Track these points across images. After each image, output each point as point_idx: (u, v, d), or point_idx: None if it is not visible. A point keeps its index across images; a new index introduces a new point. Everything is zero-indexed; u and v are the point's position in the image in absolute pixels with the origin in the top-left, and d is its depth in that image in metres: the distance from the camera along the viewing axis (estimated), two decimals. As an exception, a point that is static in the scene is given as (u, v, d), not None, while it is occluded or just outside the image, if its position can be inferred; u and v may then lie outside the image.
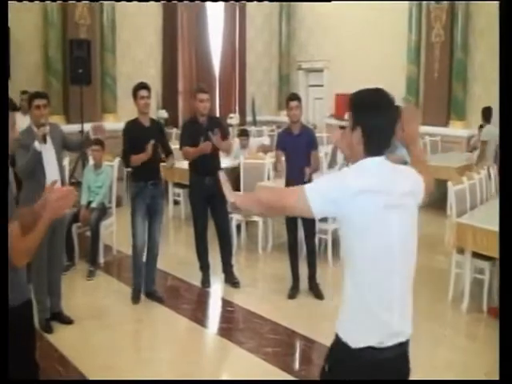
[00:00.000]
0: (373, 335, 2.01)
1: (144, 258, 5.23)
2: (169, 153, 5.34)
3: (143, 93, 5.02)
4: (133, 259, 5.18)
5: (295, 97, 5.29)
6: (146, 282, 5.22)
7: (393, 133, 2.09)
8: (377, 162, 2.06)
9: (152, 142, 4.93)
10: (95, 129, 4.60)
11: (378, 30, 12.70)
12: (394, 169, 2.12)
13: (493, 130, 7.76)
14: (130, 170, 5.39)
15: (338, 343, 2.07)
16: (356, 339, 2.02)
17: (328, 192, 2.00)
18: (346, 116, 2.15)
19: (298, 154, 5.16)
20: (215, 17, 13.34)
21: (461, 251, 5.13)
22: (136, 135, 5.00)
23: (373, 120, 2.04)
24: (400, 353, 2.11)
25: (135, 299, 5.13)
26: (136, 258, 5.15)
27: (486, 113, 8.34)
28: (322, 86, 14.46)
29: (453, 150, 10.63)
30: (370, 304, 2.01)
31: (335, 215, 2.06)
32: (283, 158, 5.31)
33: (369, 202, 1.97)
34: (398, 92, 12.43)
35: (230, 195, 2.19)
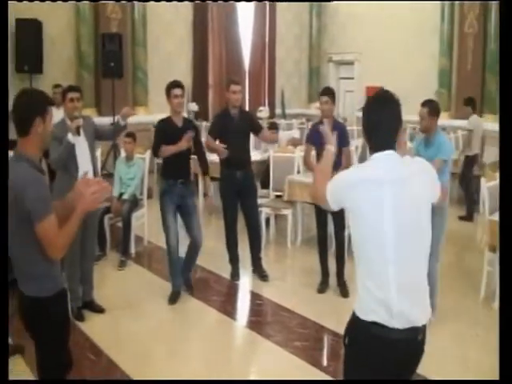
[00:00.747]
0: (375, 312, 2.19)
1: (178, 253, 5.10)
2: (202, 158, 5.30)
3: (177, 91, 4.90)
4: (168, 259, 5.07)
5: (327, 91, 5.19)
6: (183, 270, 5.17)
7: (394, 128, 2.26)
8: (383, 156, 2.24)
9: (191, 133, 4.86)
10: (123, 113, 4.72)
11: (410, 21, 12.54)
12: (403, 160, 2.28)
13: (478, 119, 8.45)
14: (160, 163, 5.41)
15: (353, 316, 2.29)
16: (363, 313, 2.23)
17: (335, 187, 2.32)
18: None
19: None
20: (245, 10, 13.35)
21: (493, 249, 5.04)
22: (168, 135, 4.91)
23: (368, 119, 2.28)
24: (412, 338, 2.21)
25: (173, 300, 4.99)
26: (172, 257, 5.04)
27: (470, 103, 8.47)
28: (352, 78, 14.36)
29: (486, 145, 10.44)
30: (368, 286, 2.21)
31: (345, 206, 2.30)
32: (313, 153, 5.26)
33: (367, 191, 2.19)
34: (429, 85, 12.38)
35: (331, 144, 2.60)
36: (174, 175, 4.97)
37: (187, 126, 5.02)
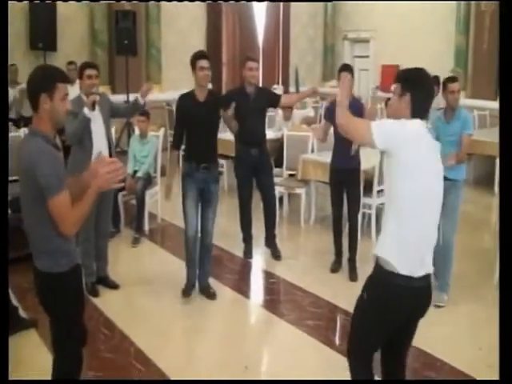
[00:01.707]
0: (408, 266, 2.43)
1: (197, 244, 4.74)
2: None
3: (203, 63, 4.46)
4: (185, 248, 4.71)
5: (347, 67, 5.04)
6: (199, 275, 4.77)
7: (431, 104, 2.59)
8: (419, 122, 2.51)
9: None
10: (143, 91, 4.70)
11: (427, -1, 12.31)
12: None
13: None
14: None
15: (379, 272, 2.52)
16: (395, 268, 2.43)
17: (391, 129, 2.47)
18: (393, 87, 2.55)
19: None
20: (260, -14, 13.17)
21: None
22: (187, 112, 4.52)
23: (420, 90, 2.53)
24: (426, 284, 2.53)
25: (186, 293, 4.67)
26: (188, 247, 4.69)
27: (436, 82, 8.34)
28: (367, 56, 14.17)
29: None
30: (408, 240, 2.43)
31: (392, 150, 2.44)
32: (332, 130, 5.20)
33: (422, 145, 2.45)
34: (445, 63, 12.20)
35: (343, 96, 2.75)
36: (197, 159, 4.57)
37: (211, 100, 4.56)
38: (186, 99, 4.57)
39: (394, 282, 2.46)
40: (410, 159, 2.39)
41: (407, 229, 2.44)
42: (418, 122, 2.50)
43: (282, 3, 13.63)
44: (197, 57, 4.51)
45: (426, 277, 2.51)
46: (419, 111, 2.52)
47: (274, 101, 5.41)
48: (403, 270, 2.44)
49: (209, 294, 4.70)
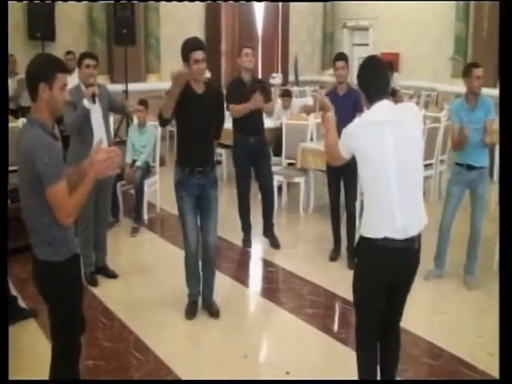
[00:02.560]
0: (379, 230, 2.71)
1: (198, 258, 4.23)
2: (220, 126, 4.30)
3: (198, 55, 3.89)
4: (185, 265, 4.19)
5: (342, 56, 5.12)
6: (204, 292, 4.28)
7: (384, 81, 2.85)
8: (379, 104, 2.76)
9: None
10: (130, 105, 4.89)
11: (427, -14, 12.24)
12: (396, 106, 2.85)
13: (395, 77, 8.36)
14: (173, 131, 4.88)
15: (362, 239, 2.80)
16: (372, 233, 2.74)
17: (344, 137, 2.81)
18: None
19: (343, 115, 4.99)
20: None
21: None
22: (181, 103, 3.87)
23: (364, 78, 2.87)
24: (410, 246, 2.76)
25: (190, 314, 4.18)
26: (189, 264, 4.18)
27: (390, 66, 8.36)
28: (367, 44, 14.11)
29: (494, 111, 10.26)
30: (378, 211, 2.75)
31: (354, 152, 2.78)
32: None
33: (371, 133, 2.71)
34: (445, 51, 12.14)
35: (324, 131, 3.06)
36: (191, 162, 4.01)
37: (210, 93, 4.08)
38: (184, 89, 3.85)
39: (369, 243, 2.76)
40: (362, 148, 2.74)
41: (373, 195, 2.78)
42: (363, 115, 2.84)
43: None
44: (190, 48, 3.87)
45: (407, 240, 2.73)
46: (375, 95, 2.80)
47: (266, 97, 5.29)
48: (379, 233, 2.72)
49: (212, 311, 4.23)
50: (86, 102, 4.31)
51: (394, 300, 2.90)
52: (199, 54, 3.90)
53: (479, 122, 4.55)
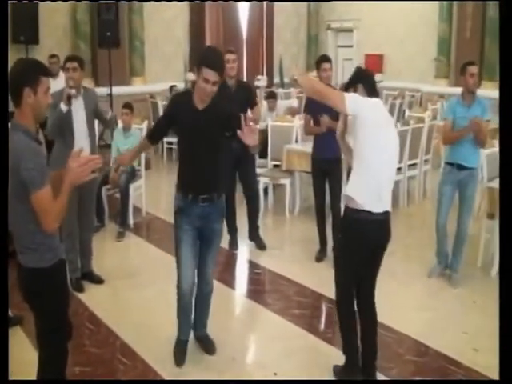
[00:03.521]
0: (368, 205, 3.14)
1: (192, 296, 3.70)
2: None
3: (209, 75, 3.22)
4: (177, 303, 3.67)
5: (327, 58, 5.16)
6: (195, 325, 3.84)
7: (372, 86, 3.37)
8: (376, 100, 3.26)
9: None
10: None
11: (410, -13, 12.35)
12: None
13: None
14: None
15: (347, 211, 3.26)
16: (357, 205, 3.16)
17: (359, 100, 3.14)
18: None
19: (329, 116, 5.06)
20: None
21: (491, 216, 5.05)
22: (183, 120, 3.43)
23: (369, 79, 3.38)
24: (385, 218, 3.24)
25: (181, 357, 3.67)
26: (182, 303, 3.65)
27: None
28: (351, 46, 14.20)
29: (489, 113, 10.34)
30: (368, 189, 3.16)
31: (359, 114, 3.09)
32: (312, 122, 5.23)
33: (379, 112, 3.19)
34: (429, 52, 12.23)
35: (297, 72, 3.22)
36: (195, 188, 3.49)
37: (210, 110, 3.42)
38: (184, 102, 3.45)
39: (358, 217, 3.17)
40: (370, 120, 3.10)
41: (367, 173, 3.16)
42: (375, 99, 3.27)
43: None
44: (205, 63, 3.22)
45: (384, 213, 3.21)
46: (373, 94, 3.30)
47: (250, 104, 5.32)
48: (365, 206, 3.14)
49: (208, 347, 3.80)
50: (62, 106, 4.27)
51: (369, 268, 3.37)
52: (211, 76, 3.23)
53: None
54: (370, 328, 3.41)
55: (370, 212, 3.15)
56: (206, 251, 3.63)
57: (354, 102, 3.08)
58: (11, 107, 2.59)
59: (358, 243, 3.24)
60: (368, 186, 3.16)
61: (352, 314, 3.39)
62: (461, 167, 4.69)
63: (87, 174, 2.56)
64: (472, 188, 4.77)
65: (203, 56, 3.32)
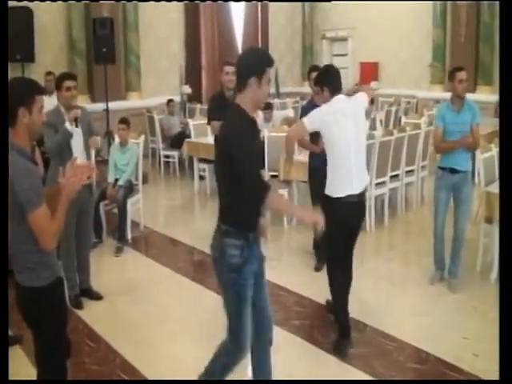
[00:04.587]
0: (342, 191, 3.80)
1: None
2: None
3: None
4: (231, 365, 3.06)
5: (316, 68, 5.24)
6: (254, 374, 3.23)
7: (340, 81, 3.97)
8: (337, 98, 3.85)
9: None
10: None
11: (403, -6, 12.42)
12: (348, 98, 3.95)
13: None
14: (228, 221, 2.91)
15: (326, 197, 3.87)
16: (336, 192, 3.83)
17: (315, 116, 3.85)
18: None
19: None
20: (236, -11, 13.19)
21: (489, 221, 5.06)
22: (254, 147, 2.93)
23: (333, 78, 3.97)
24: (361, 199, 3.93)
25: None
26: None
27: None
28: (346, 55, 14.26)
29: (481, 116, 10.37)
30: (340, 177, 3.82)
31: (318, 127, 3.84)
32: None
33: (336, 119, 3.76)
34: (424, 58, 12.27)
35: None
36: (252, 227, 2.94)
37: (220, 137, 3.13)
38: (246, 126, 2.91)
39: (336, 201, 3.80)
40: (326, 127, 3.77)
41: (338, 165, 3.79)
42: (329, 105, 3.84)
43: (260, 5, 13.66)
44: (269, 63, 2.86)
45: (360, 195, 3.86)
46: (333, 92, 3.88)
47: None
48: (340, 193, 3.79)
49: None
50: (68, 126, 4.28)
51: (351, 240, 4.07)
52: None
53: (465, 124, 4.64)
54: (349, 280, 4.16)
55: (348, 195, 3.79)
56: (261, 289, 3.08)
57: (311, 122, 3.82)
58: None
59: (342, 222, 3.84)
60: (340, 178, 3.80)
61: (342, 276, 4.06)
62: (453, 171, 4.71)
63: (81, 181, 2.58)
64: (466, 191, 4.78)
65: (263, 57, 2.90)
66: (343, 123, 3.76)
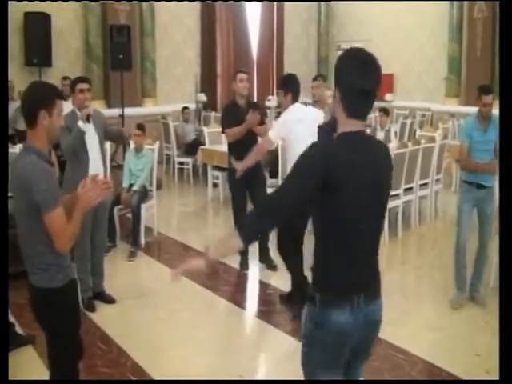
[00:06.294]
0: None
1: None
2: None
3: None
4: None
5: (319, 75, 5.71)
6: None
7: (299, 89, 4.67)
8: (297, 105, 4.64)
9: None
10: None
11: (419, 7, 12.43)
12: (306, 108, 4.76)
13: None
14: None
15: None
16: None
17: (280, 126, 4.61)
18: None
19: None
20: (253, -1, 13.27)
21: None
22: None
23: (296, 86, 4.70)
24: None
25: None
26: None
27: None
28: (361, 66, 14.24)
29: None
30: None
31: (283, 137, 4.63)
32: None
33: (290, 124, 4.48)
34: (439, 71, 12.24)
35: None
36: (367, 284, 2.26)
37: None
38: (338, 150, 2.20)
39: None
40: (287, 133, 4.49)
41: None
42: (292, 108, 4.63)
43: (275, 15, 13.72)
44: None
45: None
46: (292, 99, 4.64)
47: (260, 121, 5.43)
48: None
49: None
50: (81, 124, 4.31)
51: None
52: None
53: (490, 143, 4.60)
54: None
55: None
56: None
57: (276, 134, 4.56)
58: (24, 126, 2.64)
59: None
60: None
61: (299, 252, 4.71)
62: (480, 186, 4.68)
63: (98, 198, 2.59)
64: (491, 206, 4.74)
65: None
66: (300, 128, 4.40)
